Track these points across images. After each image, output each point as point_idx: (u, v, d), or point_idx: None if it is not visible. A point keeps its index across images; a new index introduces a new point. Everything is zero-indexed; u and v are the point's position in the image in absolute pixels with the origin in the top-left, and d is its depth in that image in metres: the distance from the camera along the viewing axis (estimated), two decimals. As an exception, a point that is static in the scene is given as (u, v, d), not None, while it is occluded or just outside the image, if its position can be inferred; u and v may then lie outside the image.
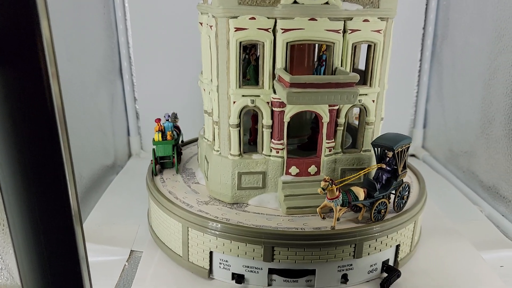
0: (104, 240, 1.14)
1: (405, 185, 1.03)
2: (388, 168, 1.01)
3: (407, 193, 1.05)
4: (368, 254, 0.96)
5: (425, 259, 1.09)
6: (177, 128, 1.27)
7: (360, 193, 0.97)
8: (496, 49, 1.37)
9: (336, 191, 0.95)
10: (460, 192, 1.53)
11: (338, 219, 0.97)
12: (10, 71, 0.47)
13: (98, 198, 1.42)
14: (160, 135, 1.18)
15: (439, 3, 1.71)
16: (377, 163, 1.02)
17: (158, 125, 1.19)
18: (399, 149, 0.99)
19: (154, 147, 1.19)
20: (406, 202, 1.05)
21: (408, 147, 1.02)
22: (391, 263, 1.03)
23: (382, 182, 1.02)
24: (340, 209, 0.96)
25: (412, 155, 1.90)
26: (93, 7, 1.54)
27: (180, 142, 1.27)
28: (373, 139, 1.04)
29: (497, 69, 1.37)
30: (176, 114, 1.29)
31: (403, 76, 1.84)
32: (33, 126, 0.49)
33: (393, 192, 1.02)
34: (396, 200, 1.02)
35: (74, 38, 1.38)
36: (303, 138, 1.19)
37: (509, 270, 1.07)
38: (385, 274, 1.00)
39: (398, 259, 1.03)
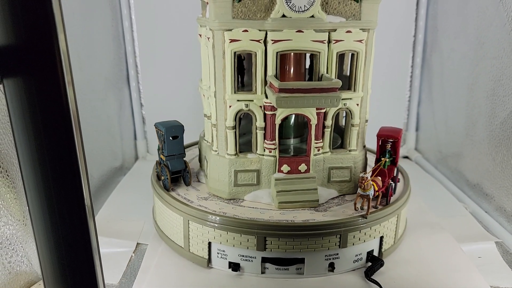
0: (113, 234, 1.24)
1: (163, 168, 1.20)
2: None
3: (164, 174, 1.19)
4: (353, 245, 1.05)
5: (408, 250, 1.17)
6: None
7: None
8: (478, 55, 1.45)
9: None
10: (448, 191, 1.61)
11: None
12: (32, 79, 0.56)
13: (107, 197, 1.52)
14: None
15: (428, 11, 1.80)
16: None
17: None
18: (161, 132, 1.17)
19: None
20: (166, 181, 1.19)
21: (163, 136, 1.17)
22: (375, 253, 1.11)
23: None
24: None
25: (406, 157, 1.98)
26: (102, 20, 1.64)
27: None
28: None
29: (479, 75, 1.45)
30: None
31: (396, 81, 1.92)
32: (51, 128, 0.56)
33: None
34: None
35: (85, 49, 1.48)
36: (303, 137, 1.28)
37: (486, 260, 1.14)
38: (370, 264, 1.09)
39: (383, 250, 1.11)
